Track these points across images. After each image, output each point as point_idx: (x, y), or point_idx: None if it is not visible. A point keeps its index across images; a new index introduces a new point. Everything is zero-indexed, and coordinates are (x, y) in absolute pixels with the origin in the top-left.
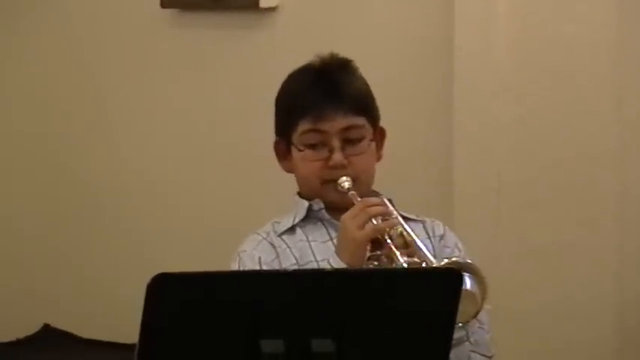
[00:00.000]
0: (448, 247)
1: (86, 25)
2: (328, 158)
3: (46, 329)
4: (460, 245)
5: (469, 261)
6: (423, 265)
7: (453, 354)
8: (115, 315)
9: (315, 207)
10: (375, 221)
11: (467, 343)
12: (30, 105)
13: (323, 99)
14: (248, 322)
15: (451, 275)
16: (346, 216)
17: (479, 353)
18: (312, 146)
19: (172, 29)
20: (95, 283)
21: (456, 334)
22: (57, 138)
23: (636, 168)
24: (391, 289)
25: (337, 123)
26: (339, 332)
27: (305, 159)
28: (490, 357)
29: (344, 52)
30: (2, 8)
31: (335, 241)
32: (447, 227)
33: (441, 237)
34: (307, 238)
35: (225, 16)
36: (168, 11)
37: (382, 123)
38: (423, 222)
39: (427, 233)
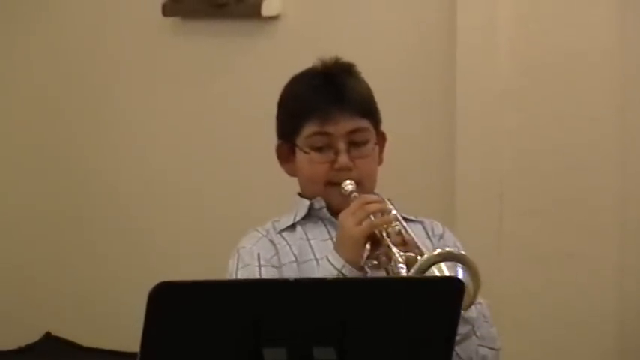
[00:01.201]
0: (447, 246)
1: (88, 33)
2: (334, 161)
3: (48, 337)
4: (459, 244)
5: (462, 252)
6: (418, 257)
7: (461, 349)
8: (116, 323)
9: (317, 205)
10: (372, 217)
11: (474, 337)
12: (33, 113)
13: (329, 102)
14: (250, 330)
15: (453, 284)
16: (344, 213)
17: (486, 347)
18: (318, 149)
19: (174, 37)
20: (97, 291)
21: (463, 330)
22: (60, 145)
23: (638, 175)
24: (393, 297)
25: (343, 126)
26: (341, 340)
27: (311, 162)
28: (497, 349)
29: (348, 60)
30: (5, 18)
31: (335, 239)
32: (446, 227)
33: (441, 236)
34: (307, 236)
35: (227, 24)
36: (169, 19)
37: (385, 130)
38: (422, 222)
39: (427, 233)
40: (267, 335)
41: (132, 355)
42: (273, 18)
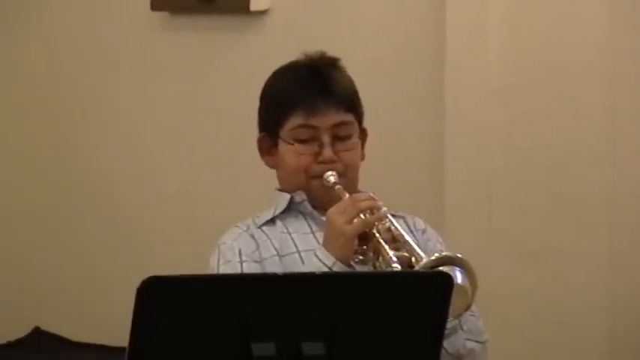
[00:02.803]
0: (430, 240)
1: (76, 28)
2: (318, 153)
3: (37, 332)
4: (441, 240)
5: (459, 255)
6: (413, 259)
7: (448, 343)
8: (105, 318)
9: (297, 199)
10: (362, 215)
11: (460, 331)
12: (22, 108)
13: (315, 95)
14: (239, 325)
15: (442, 279)
16: (333, 210)
17: (473, 340)
18: (302, 141)
19: (162, 32)
20: (86, 285)
21: (450, 324)
22: (46, 140)
23: (628, 172)
24: (382, 292)
25: (328, 119)
26: (330, 335)
27: (295, 152)
28: (484, 342)
29: (335, 55)
30: None
31: (317, 234)
32: (427, 224)
33: (423, 231)
34: (288, 229)
35: (215, 19)
36: (158, 14)
37: (374, 126)
38: (403, 217)
39: (409, 227)
40: (255, 330)
41: (121, 350)
42: (262, 13)
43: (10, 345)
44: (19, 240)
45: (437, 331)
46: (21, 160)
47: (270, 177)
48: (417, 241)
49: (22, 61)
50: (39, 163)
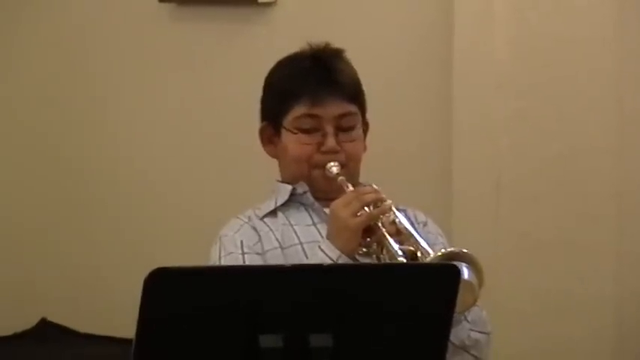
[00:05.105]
0: (431, 233)
1: (84, 20)
2: (321, 143)
3: (44, 323)
4: (441, 232)
5: (465, 250)
6: (418, 253)
7: (452, 335)
8: (112, 309)
9: (299, 190)
10: (367, 209)
11: (465, 322)
12: (28, 101)
13: (319, 84)
14: (246, 316)
15: (449, 271)
16: (338, 203)
17: (477, 331)
18: (306, 131)
19: (170, 24)
20: (93, 277)
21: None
22: (54, 132)
23: (635, 164)
24: (389, 284)
25: (332, 109)
26: (337, 327)
27: (298, 142)
28: (488, 333)
29: (343, 47)
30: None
31: (318, 226)
32: (429, 218)
33: (425, 224)
34: (289, 221)
35: (223, 10)
36: (166, 5)
37: (382, 119)
38: (404, 210)
39: (410, 221)
40: (263, 321)
41: (128, 341)
42: (270, 4)
43: (16, 336)
44: (26, 232)
45: (444, 323)
46: (26, 152)
47: (273, 168)
48: (422, 234)
49: (29, 53)
50: (44, 156)
